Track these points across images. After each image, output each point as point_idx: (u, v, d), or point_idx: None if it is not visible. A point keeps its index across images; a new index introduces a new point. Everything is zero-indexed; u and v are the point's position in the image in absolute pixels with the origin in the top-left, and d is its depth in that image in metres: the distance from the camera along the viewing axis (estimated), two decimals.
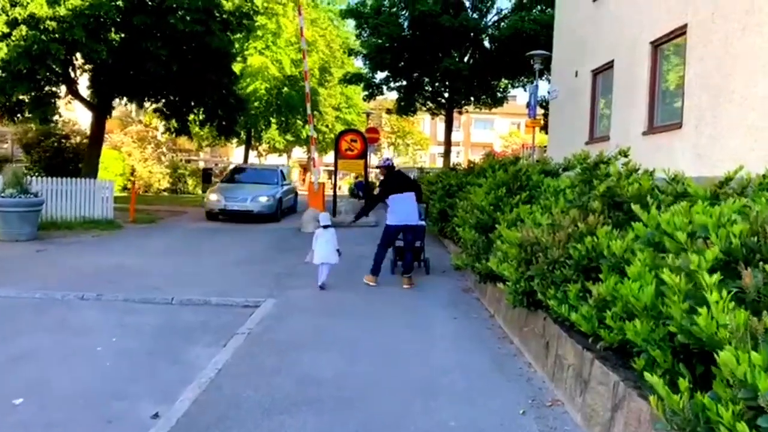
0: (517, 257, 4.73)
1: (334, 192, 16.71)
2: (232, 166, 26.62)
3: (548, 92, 23.23)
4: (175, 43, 15.70)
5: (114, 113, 37.40)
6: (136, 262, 9.35)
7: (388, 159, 9.17)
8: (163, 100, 19.46)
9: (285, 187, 16.74)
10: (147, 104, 20.61)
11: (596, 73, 12.47)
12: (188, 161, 46.20)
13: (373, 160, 26.32)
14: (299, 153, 62.48)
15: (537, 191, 6.28)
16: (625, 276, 2.96)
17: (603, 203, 4.05)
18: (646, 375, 2.38)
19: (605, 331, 3.20)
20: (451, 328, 5.91)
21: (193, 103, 19.09)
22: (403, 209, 8.03)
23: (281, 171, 17.23)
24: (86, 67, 17.32)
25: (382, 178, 8.94)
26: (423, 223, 8.59)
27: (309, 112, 16.15)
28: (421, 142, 54.00)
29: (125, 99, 19.65)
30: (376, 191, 9.05)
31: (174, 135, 20.93)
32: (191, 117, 20.16)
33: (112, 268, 8.74)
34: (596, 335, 3.35)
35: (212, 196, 16.48)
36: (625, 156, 4.85)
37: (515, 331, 5.43)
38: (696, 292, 2.34)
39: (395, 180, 8.30)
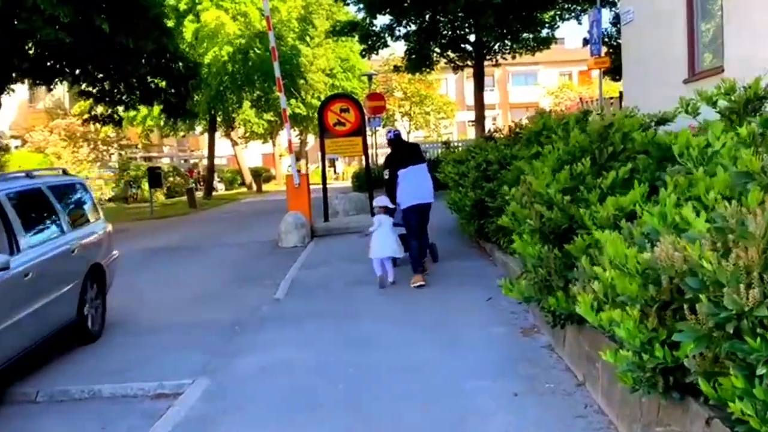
0: (640, 298, 2.96)
1: (324, 184, 15.01)
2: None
3: (614, 18, 21.56)
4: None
5: (44, 104, 36.61)
6: None
7: (391, 130, 9.45)
8: (81, 78, 17.95)
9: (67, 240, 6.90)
10: (60, 84, 19.13)
11: None
12: (147, 159, 45.10)
13: (381, 137, 24.64)
14: (291, 136, 61.21)
15: (643, 161, 4.49)
16: None
17: None
18: None
19: None
20: (512, 418, 4.14)
21: (116, 77, 17.51)
22: (415, 185, 8.27)
23: (77, 189, 7.76)
24: None
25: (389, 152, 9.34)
26: (432, 199, 8.74)
27: (277, 74, 14.48)
28: (444, 109, 52.01)
29: (25, 80, 18.07)
30: (385, 173, 9.10)
31: (101, 124, 19.50)
32: (123, 92, 18.62)
33: None
34: None
35: None
36: None
37: (636, 425, 3.65)
38: None
39: (401, 152, 8.71)
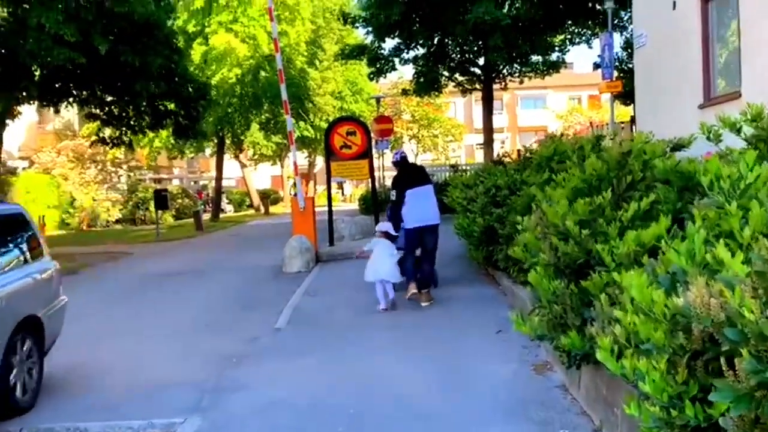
0: (667, 346, 2.66)
1: (329, 207, 14.74)
2: None
3: (624, 42, 21.35)
4: (76, 17, 13.84)
5: (54, 125, 36.52)
6: None
7: (398, 152, 9.51)
8: (91, 99, 17.81)
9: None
10: (68, 106, 18.98)
11: None
12: (157, 180, 45.04)
13: (389, 160, 24.42)
14: (300, 159, 61.16)
15: (664, 191, 4.20)
16: None
17: None
18: None
19: None
20: None
21: (126, 98, 17.35)
22: (421, 206, 8.31)
23: (12, 222, 6.29)
24: None
25: (395, 174, 9.23)
26: (439, 221, 8.76)
27: (284, 96, 14.29)
28: (452, 132, 51.80)
29: (32, 102, 17.92)
30: (392, 195, 9.07)
31: (109, 147, 19.33)
32: (131, 116, 18.44)
33: None
34: None
35: None
36: None
37: None
38: None
39: (408, 173, 8.78)
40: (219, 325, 8.31)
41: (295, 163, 14.94)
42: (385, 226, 8.54)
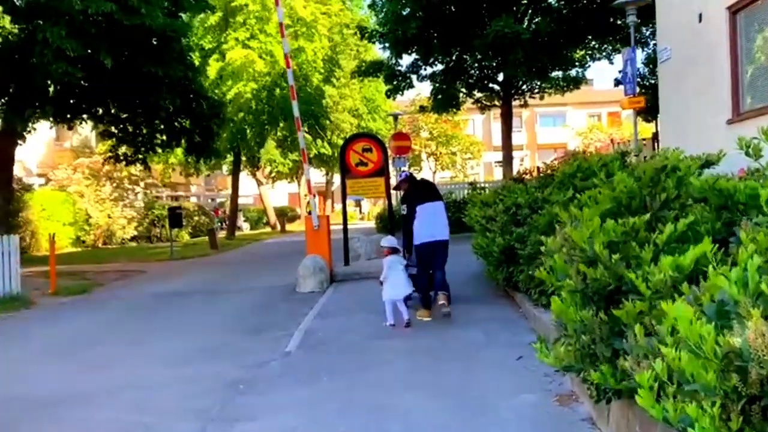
0: (718, 389, 2.33)
1: (345, 226, 14.44)
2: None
3: (646, 58, 21.00)
4: (83, 31, 13.71)
5: (71, 142, 36.66)
6: None
7: (404, 172, 9.85)
8: (105, 116, 17.72)
9: None
10: (83, 123, 18.90)
11: (735, 10, 10.12)
12: (175, 198, 45.12)
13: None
14: (317, 176, 60.97)
15: (700, 210, 3.88)
16: None
17: None
18: None
19: None
20: None
21: (140, 114, 17.23)
22: (431, 222, 8.39)
23: None
24: None
25: (402, 193, 9.43)
26: (448, 237, 8.81)
27: (296, 113, 14.09)
28: (471, 149, 51.54)
29: (45, 119, 17.86)
30: (403, 209, 9.34)
31: (125, 164, 19.21)
32: (144, 134, 18.31)
33: None
34: None
35: None
36: None
37: None
38: None
39: (419, 189, 8.89)
40: (227, 349, 8.00)
41: (308, 181, 14.66)
42: (390, 241, 8.56)
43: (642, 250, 3.66)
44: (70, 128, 21.18)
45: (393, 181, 14.13)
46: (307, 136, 33.69)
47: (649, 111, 19.67)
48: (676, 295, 3.05)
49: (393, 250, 8.32)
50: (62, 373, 7.31)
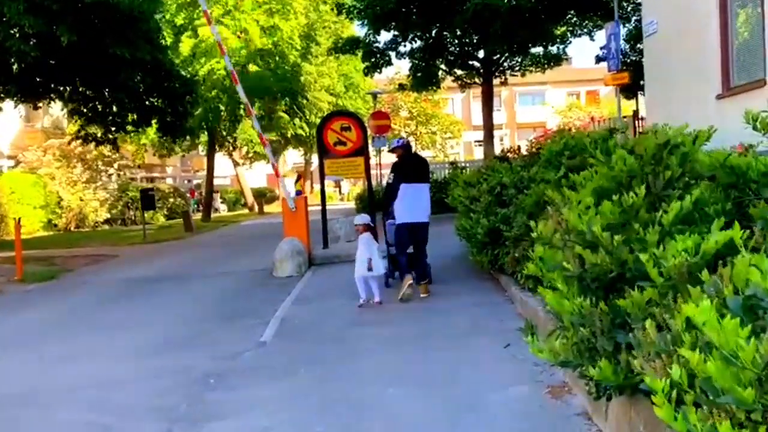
0: (756, 402, 2.00)
1: (323, 208, 14.04)
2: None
3: (627, 34, 20.70)
4: (43, 7, 13.09)
5: (42, 123, 35.76)
6: None
7: (402, 138, 9.75)
8: (72, 96, 17.13)
9: None
10: (50, 103, 18.30)
11: None
12: (150, 179, 44.38)
13: (386, 158, 23.75)
14: (295, 156, 60.27)
15: (708, 188, 3.56)
16: None
17: None
18: None
19: None
20: None
21: (108, 92, 16.67)
22: (414, 204, 8.41)
23: None
24: None
25: (396, 160, 9.02)
26: (428, 220, 8.86)
27: (243, 99, 13.72)
28: (450, 128, 51.18)
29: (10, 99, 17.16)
30: (389, 178, 9.16)
31: (95, 144, 18.64)
32: (114, 113, 17.74)
33: None
34: None
35: None
36: None
37: None
38: None
39: (411, 165, 8.71)
40: (199, 339, 7.62)
41: (274, 165, 14.36)
42: (364, 218, 8.73)
43: (646, 232, 3.32)
44: (36, 108, 20.53)
45: (373, 161, 13.82)
46: (284, 115, 33.13)
47: (629, 88, 19.43)
48: (689, 285, 2.72)
49: (367, 227, 8.37)
50: (22, 368, 6.92)
